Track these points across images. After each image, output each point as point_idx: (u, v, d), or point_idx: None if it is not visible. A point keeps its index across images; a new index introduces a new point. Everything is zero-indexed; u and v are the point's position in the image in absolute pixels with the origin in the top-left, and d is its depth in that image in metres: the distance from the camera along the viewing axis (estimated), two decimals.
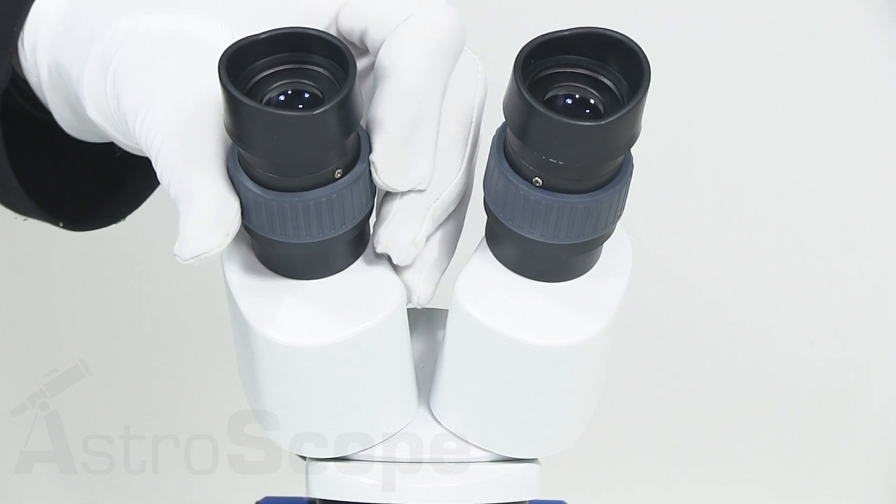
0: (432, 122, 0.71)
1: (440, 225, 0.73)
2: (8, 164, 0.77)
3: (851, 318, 1.60)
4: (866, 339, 1.61)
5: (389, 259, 0.72)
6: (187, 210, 0.67)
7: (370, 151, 0.70)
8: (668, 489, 1.64)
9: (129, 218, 0.86)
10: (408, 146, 0.70)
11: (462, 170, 0.73)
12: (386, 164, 0.69)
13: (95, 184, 0.85)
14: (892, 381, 1.62)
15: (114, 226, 0.86)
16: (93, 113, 0.73)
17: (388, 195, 0.72)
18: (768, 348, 1.61)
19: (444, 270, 0.74)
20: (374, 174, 0.69)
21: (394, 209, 0.71)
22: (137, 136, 0.70)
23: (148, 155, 0.70)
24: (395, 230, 0.71)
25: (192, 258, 0.67)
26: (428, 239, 0.72)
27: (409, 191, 0.71)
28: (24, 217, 0.82)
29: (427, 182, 0.71)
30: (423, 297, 0.73)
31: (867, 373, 1.62)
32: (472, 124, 0.74)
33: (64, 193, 0.82)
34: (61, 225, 0.82)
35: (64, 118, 0.78)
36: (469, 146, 0.73)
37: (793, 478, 1.63)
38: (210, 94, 0.68)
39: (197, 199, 0.67)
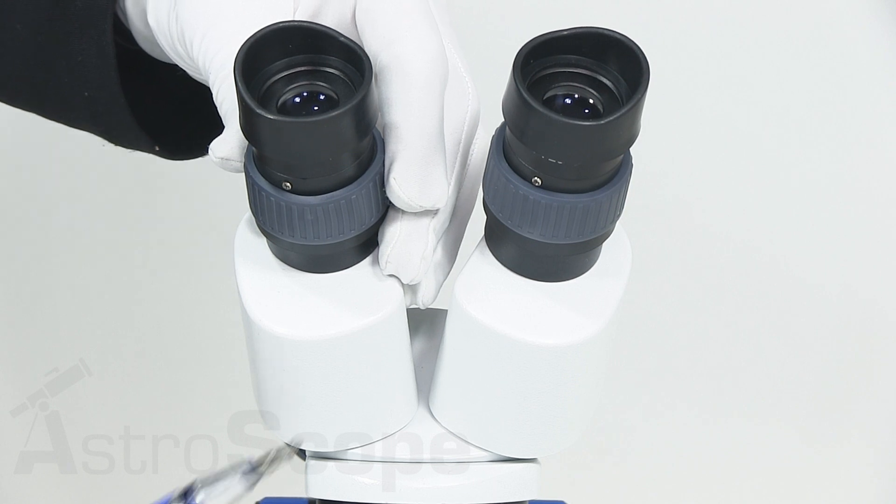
0: (442, 140, 0.70)
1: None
2: (118, 82, 0.80)
3: (852, 320, 1.60)
4: (866, 341, 1.61)
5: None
6: (236, 119, 0.69)
7: (385, 162, 0.69)
8: (668, 489, 1.64)
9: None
10: (428, 163, 0.69)
11: (452, 185, 0.72)
12: (407, 181, 0.68)
13: (189, 113, 0.85)
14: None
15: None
16: (152, 21, 0.74)
17: (389, 216, 0.71)
18: (769, 349, 1.61)
19: (448, 274, 0.74)
20: (392, 192, 0.68)
21: (398, 229, 0.70)
22: (196, 56, 0.72)
23: (205, 75, 0.72)
24: (403, 249, 0.70)
25: (220, 158, 0.70)
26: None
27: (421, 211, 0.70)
28: (117, 144, 0.84)
29: (444, 201, 0.70)
30: (426, 297, 0.73)
31: (870, 377, 1.62)
32: (462, 143, 0.73)
33: (160, 120, 0.84)
34: (157, 150, 0.84)
35: (139, 32, 0.79)
36: (458, 164, 0.73)
37: (793, 480, 1.63)
38: (270, 16, 0.69)
39: None
